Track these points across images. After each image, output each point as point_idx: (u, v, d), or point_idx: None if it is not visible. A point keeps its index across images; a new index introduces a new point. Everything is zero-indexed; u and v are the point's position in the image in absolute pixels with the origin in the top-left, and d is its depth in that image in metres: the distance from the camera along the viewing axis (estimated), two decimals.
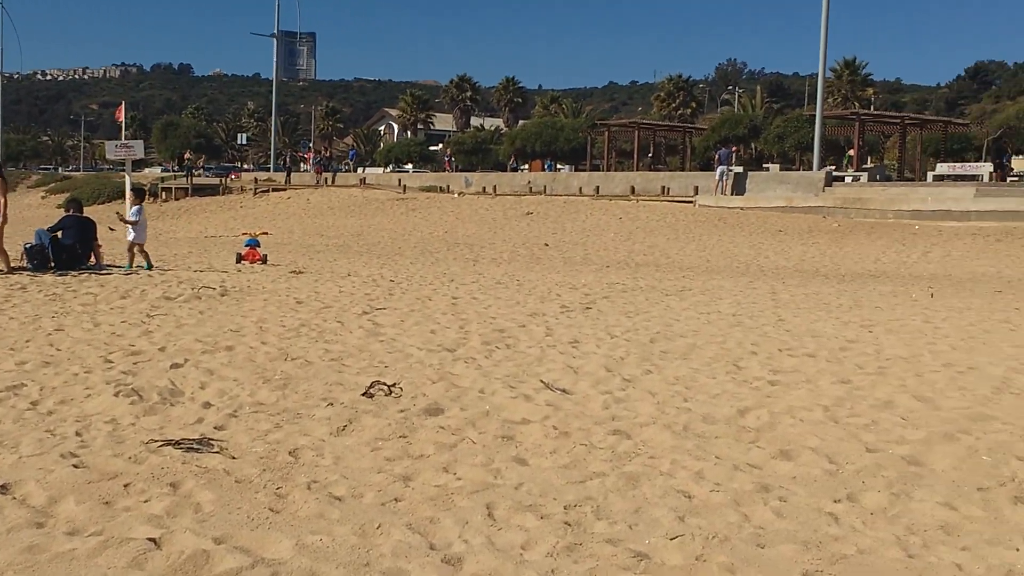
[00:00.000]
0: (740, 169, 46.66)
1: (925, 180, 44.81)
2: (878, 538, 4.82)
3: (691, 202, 41.95)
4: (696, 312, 13.80)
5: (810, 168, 46.94)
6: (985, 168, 46.35)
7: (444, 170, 63.54)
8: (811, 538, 4.80)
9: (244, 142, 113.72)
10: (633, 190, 46.29)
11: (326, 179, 60.61)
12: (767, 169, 48.06)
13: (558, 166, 65.54)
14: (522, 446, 6.44)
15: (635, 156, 57.88)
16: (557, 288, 16.88)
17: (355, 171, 72.95)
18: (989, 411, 7.44)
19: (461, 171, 63.80)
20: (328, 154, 79.23)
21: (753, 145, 62.85)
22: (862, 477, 5.78)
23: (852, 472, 5.87)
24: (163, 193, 61.70)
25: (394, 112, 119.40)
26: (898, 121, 53.03)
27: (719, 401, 7.76)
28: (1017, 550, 4.66)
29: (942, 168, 46.05)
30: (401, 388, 7.92)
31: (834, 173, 43.31)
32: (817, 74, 47.84)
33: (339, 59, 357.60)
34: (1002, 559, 4.56)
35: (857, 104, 76.07)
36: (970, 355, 10.21)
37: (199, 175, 67.02)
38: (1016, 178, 46.55)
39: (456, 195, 50.56)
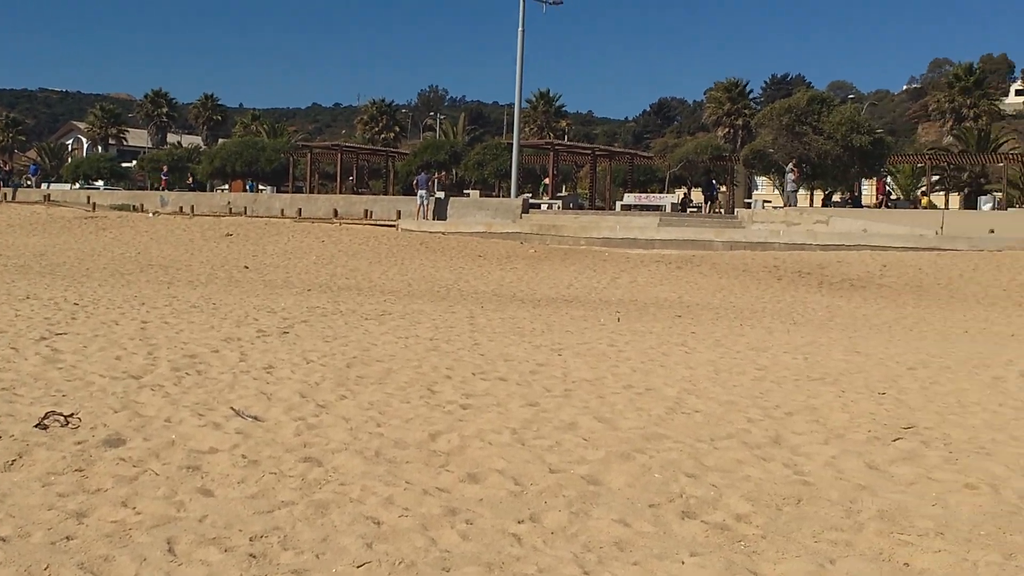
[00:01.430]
0: (442, 195, 47.49)
1: (614, 209, 47.22)
2: (557, 556, 5.01)
3: (394, 226, 42.23)
4: (395, 337, 13.89)
5: (509, 195, 48.41)
6: (668, 199, 49.39)
7: (161, 188, 60.80)
8: (495, 559, 4.93)
9: None
10: (336, 213, 46.10)
11: (5, 195, 56.65)
12: (468, 195, 49.08)
13: (259, 187, 64.26)
14: (208, 476, 6.25)
15: (338, 179, 57.67)
16: (255, 312, 16.53)
17: (38, 187, 68.54)
18: (662, 430, 7.92)
19: (172, 190, 61.23)
20: (8, 168, 74.05)
21: (455, 171, 64.10)
22: (544, 497, 5.99)
23: (535, 493, 6.08)
24: None
25: (83, 126, 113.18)
26: (590, 152, 55.63)
27: (412, 426, 7.83)
28: (682, 563, 4.97)
29: (629, 198, 48.63)
30: (79, 418, 7.50)
31: (531, 200, 44.85)
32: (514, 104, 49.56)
33: (21, 67, 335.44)
34: (669, 572, 4.85)
35: (552, 134, 79.19)
36: (648, 377, 10.83)
37: None
38: (695, 209, 49.91)
39: (151, 215, 48.55)
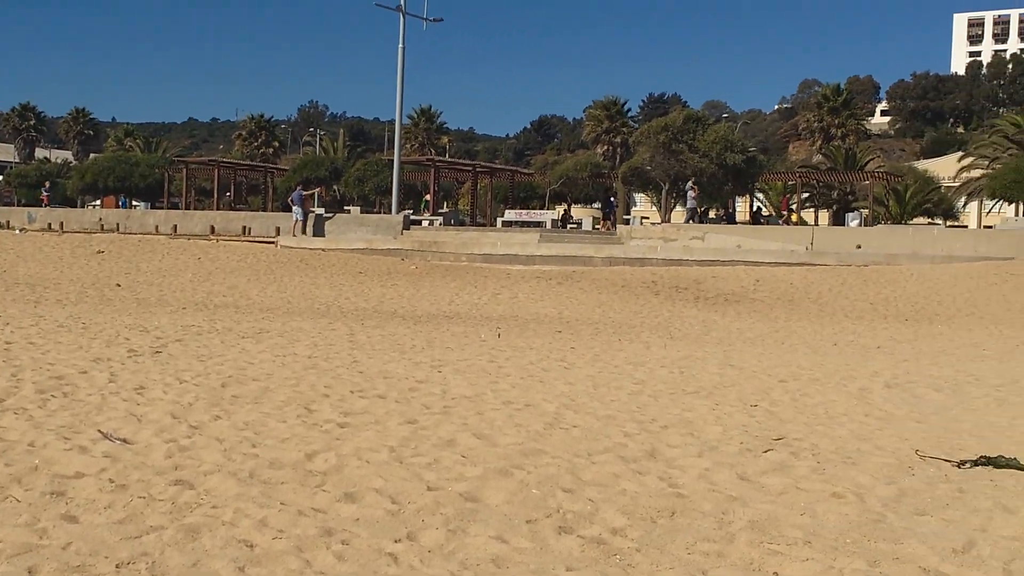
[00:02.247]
0: (322, 210, 47.05)
1: (496, 225, 47.45)
2: (434, 575, 4.98)
3: (273, 243, 41.66)
4: (272, 355, 13.68)
5: (390, 211, 48.23)
6: (548, 215, 49.84)
7: (42, 204, 58.55)
8: None
9: None
10: (213, 230, 45.27)
11: None
12: (349, 211, 48.73)
13: (133, 203, 62.70)
14: (73, 502, 6.05)
15: (215, 195, 56.69)
16: (127, 331, 16.09)
17: None
18: (540, 446, 7.96)
19: (46, 206, 59.10)
20: None
21: (335, 187, 63.61)
22: (422, 515, 5.96)
23: (413, 511, 6.05)
24: None
25: None
26: (471, 168, 55.81)
27: (288, 445, 7.71)
28: None
29: (510, 214, 48.95)
30: None
31: (412, 217, 44.77)
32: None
33: None
34: None
35: (433, 151, 79.31)
36: (528, 393, 10.88)
37: None
38: (575, 225, 50.47)
39: (18, 231, 46.97)
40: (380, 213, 53.36)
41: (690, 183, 41.89)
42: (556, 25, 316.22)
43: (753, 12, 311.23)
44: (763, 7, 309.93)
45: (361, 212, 49.01)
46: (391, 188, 48.11)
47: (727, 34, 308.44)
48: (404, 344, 15.96)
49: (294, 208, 42.97)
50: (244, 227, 45.33)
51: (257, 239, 42.89)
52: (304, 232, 42.54)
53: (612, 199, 49.97)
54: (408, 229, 41.81)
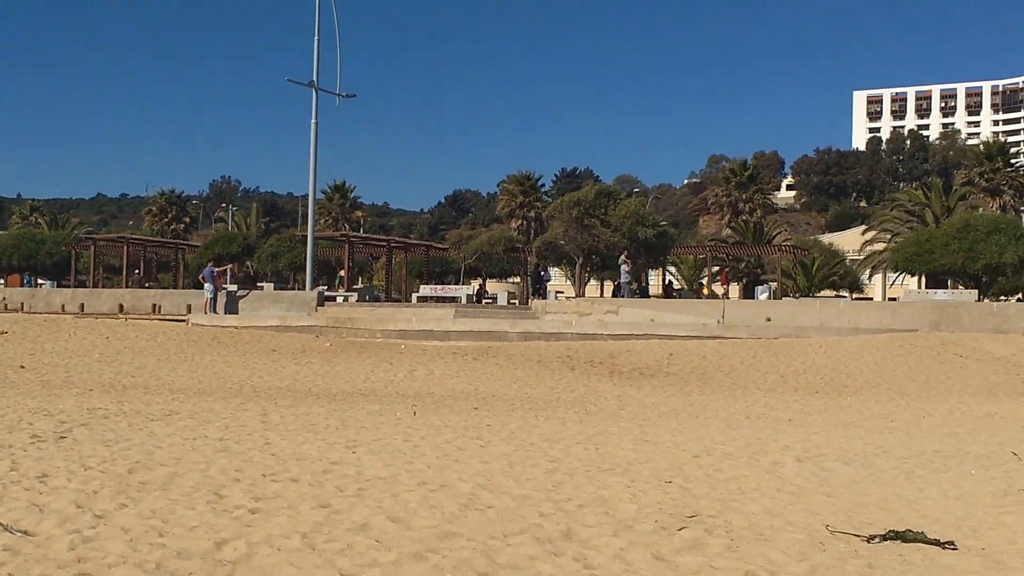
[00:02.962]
0: (235, 287, 46.52)
1: (411, 301, 47.35)
2: None
3: (184, 321, 41.00)
4: (182, 438, 13.40)
5: (304, 287, 47.88)
6: (463, 290, 49.90)
7: None
8: None
9: None
10: (122, 308, 44.44)
11: None
12: (262, 288, 48.25)
13: (39, 281, 61.35)
14: None
15: (124, 272, 55.71)
16: (30, 415, 15.63)
17: None
18: (455, 528, 7.89)
19: None
20: None
21: (248, 263, 63.04)
22: None
23: None
24: None
25: None
26: (385, 244, 55.78)
27: (196, 534, 7.54)
28: None
29: (426, 289, 48.92)
30: None
31: (326, 293, 44.47)
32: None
33: None
34: None
35: (347, 226, 79.19)
36: (443, 473, 10.80)
37: None
38: (491, 300, 50.59)
39: None
40: (294, 289, 52.97)
41: (623, 256, 42.45)
42: (469, 100, 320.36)
43: (662, 88, 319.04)
44: (671, 84, 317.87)
45: (275, 288, 48.59)
46: (305, 264, 47.81)
47: (638, 109, 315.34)
48: (318, 424, 15.76)
49: (206, 285, 42.44)
50: (154, 305, 44.59)
51: (168, 317, 42.18)
52: (216, 310, 41.98)
53: (542, 273, 49.97)
54: (323, 305, 41.51)
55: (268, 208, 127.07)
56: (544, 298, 43.71)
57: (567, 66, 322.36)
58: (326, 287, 49.59)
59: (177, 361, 31.36)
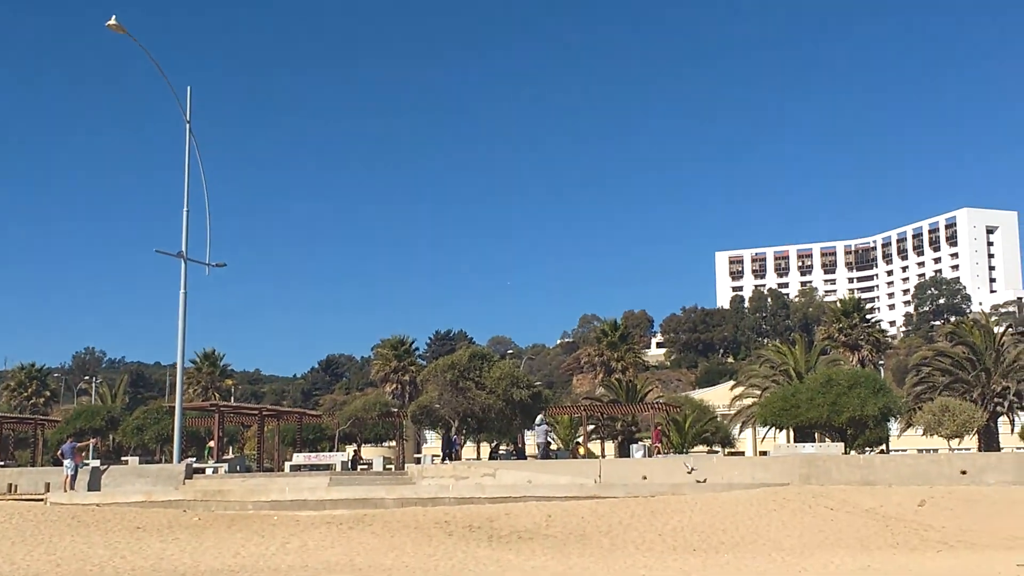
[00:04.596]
0: (97, 463, 44.80)
1: (284, 470, 46.23)
2: None
3: (42, 500, 39.13)
4: None
5: (171, 460, 46.39)
6: (338, 457, 49.01)
7: None
8: None
9: None
10: None
11: None
12: (126, 462, 46.59)
13: None
14: None
15: None
16: None
17: None
18: None
19: None
20: None
21: (112, 437, 60.93)
22: None
23: None
24: None
25: None
26: (257, 412, 54.72)
27: None
28: None
29: (299, 458, 47.92)
30: None
31: (195, 465, 43.17)
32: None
33: None
34: None
35: (218, 395, 77.60)
36: None
37: None
38: (366, 466, 49.77)
39: None
40: (161, 463, 51.32)
41: (540, 417, 42.79)
42: (341, 265, 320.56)
43: (534, 249, 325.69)
44: (542, 245, 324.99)
45: (140, 462, 46.91)
46: (173, 436, 46.42)
47: (508, 271, 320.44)
48: None
49: (65, 462, 40.76)
50: (10, 485, 42.51)
51: (25, 496, 40.21)
52: (75, 487, 40.24)
53: (454, 437, 48.52)
54: (191, 478, 40.20)
55: (135, 379, 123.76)
56: (458, 458, 43.48)
57: (440, 230, 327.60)
58: (195, 459, 48.12)
59: (33, 543, 29.77)
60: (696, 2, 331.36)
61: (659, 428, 56.39)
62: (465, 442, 49.13)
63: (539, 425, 43.46)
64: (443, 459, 49.56)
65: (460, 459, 44.66)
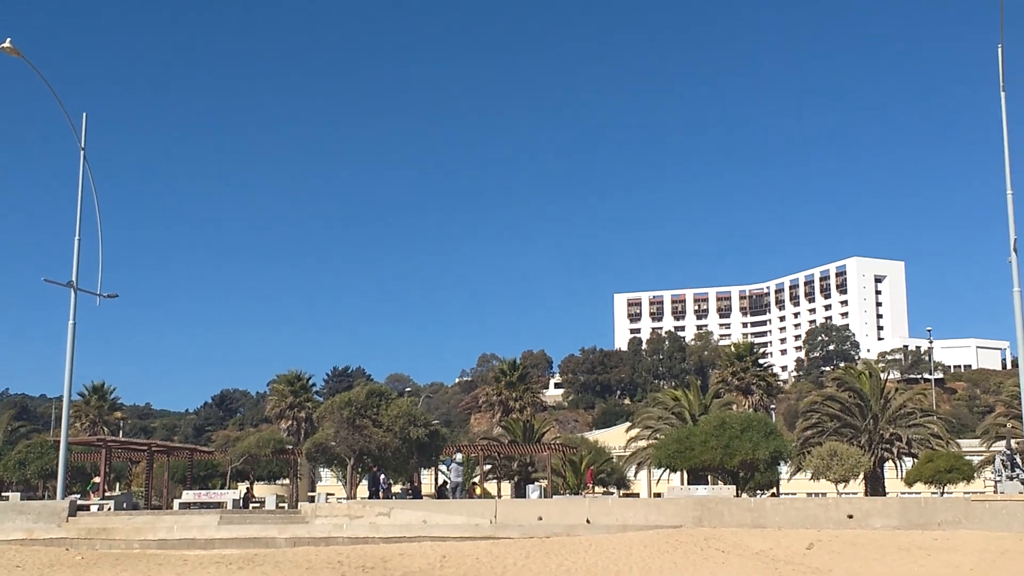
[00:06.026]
0: None
1: (173, 507, 45.13)
2: None
3: None
4: None
5: (55, 496, 44.95)
6: (230, 495, 48.04)
7: None
8: None
9: None
10: None
11: None
12: (7, 498, 45.03)
13: None
14: None
15: None
16: None
17: None
18: None
19: None
20: None
21: None
22: None
23: None
24: None
25: None
26: (146, 448, 53.42)
27: None
28: None
29: (189, 495, 46.84)
30: None
31: (80, 502, 41.90)
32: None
33: None
34: None
35: (106, 429, 75.66)
36: None
37: None
38: (258, 504, 48.87)
39: None
40: (44, 499, 49.69)
41: (460, 455, 42.70)
42: (237, 298, 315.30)
43: (432, 289, 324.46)
44: (440, 285, 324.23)
45: (22, 498, 45.41)
46: (57, 471, 44.98)
47: (408, 308, 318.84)
48: None
49: None
50: None
51: None
52: None
53: (381, 476, 46.64)
54: (75, 515, 38.99)
55: (19, 412, 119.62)
56: (388, 498, 42.93)
57: (339, 265, 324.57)
58: (80, 495, 46.70)
59: None
60: (558, 49, 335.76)
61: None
62: (360, 481, 48.33)
63: (456, 464, 43.35)
64: (369, 496, 48.49)
65: (392, 499, 43.99)
